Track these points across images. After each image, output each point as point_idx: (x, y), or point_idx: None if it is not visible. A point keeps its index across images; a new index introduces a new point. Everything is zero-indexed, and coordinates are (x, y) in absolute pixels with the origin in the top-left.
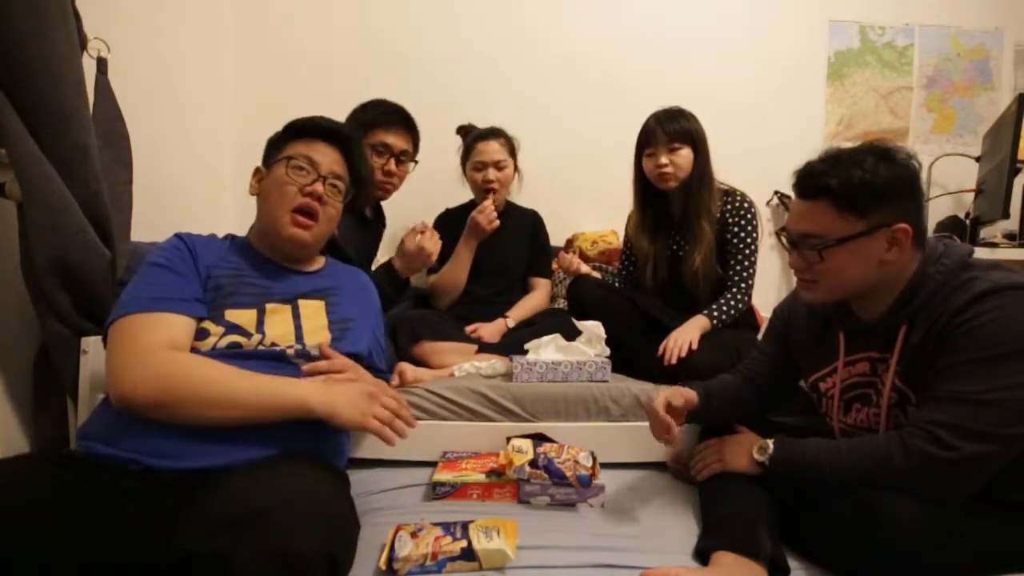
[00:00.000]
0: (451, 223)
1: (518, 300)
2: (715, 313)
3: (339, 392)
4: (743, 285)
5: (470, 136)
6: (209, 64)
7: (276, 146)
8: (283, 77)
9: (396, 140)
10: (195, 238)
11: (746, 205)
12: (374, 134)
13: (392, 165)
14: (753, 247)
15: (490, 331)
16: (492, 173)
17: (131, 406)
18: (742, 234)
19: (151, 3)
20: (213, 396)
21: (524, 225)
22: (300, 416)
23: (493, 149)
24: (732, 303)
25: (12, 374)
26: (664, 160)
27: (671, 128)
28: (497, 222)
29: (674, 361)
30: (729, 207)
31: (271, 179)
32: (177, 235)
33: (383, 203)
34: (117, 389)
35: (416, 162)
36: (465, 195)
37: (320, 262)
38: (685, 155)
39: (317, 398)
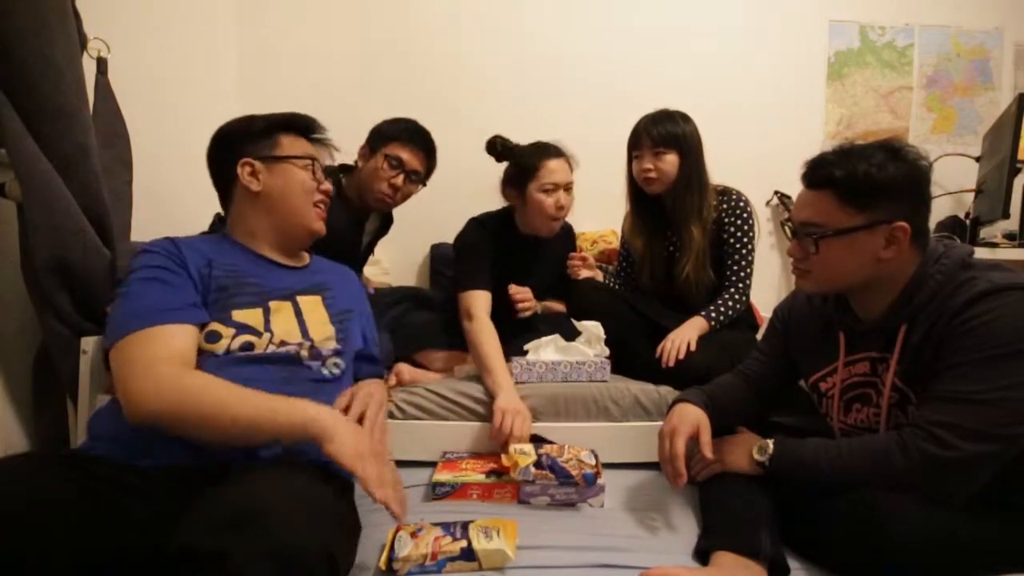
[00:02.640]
0: (486, 235)
1: (542, 320)
2: (713, 314)
3: (347, 425)
4: (740, 285)
5: (534, 148)
6: (209, 64)
7: (261, 138)
8: (283, 77)
9: (411, 159)
10: (169, 242)
11: (742, 204)
12: (392, 146)
13: (400, 181)
14: (750, 247)
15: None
16: (563, 198)
17: (144, 420)
18: (738, 234)
19: (151, 3)
20: (223, 419)
21: (560, 245)
22: (303, 437)
23: (564, 170)
24: (730, 303)
25: (12, 374)
26: (648, 164)
27: (657, 132)
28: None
29: (672, 363)
30: (725, 206)
31: (288, 177)
32: (147, 249)
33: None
34: (128, 408)
35: (424, 185)
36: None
37: (307, 258)
38: (670, 160)
39: (323, 416)
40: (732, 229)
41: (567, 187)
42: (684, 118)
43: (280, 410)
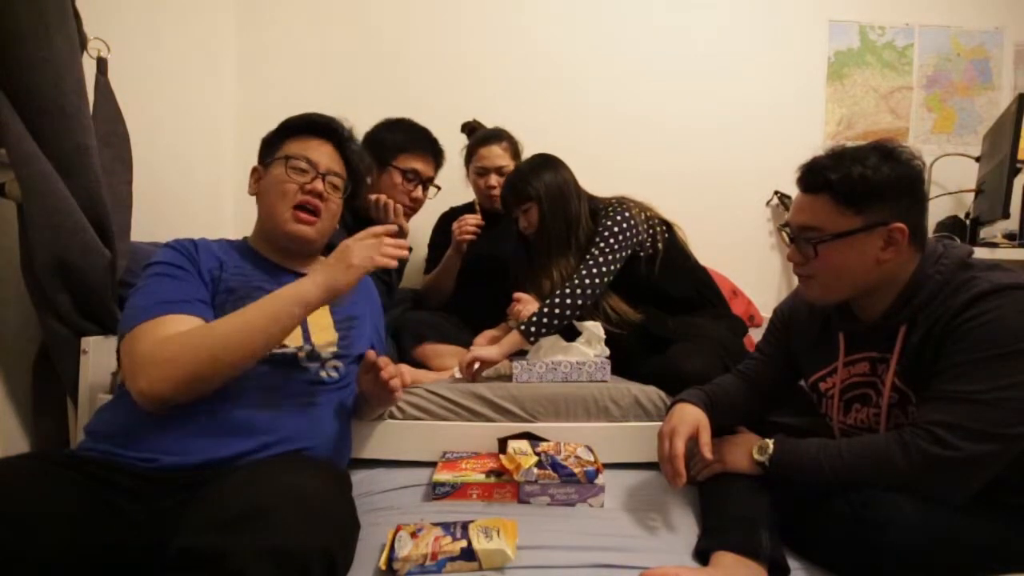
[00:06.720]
0: (444, 227)
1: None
2: (531, 327)
3: (331, 267)
4: (576, 282)
5: (473, 138)
6: (209, 64)
7: (272, 144)
8: (283, 77)
9: (425, 167)
10: (190, 242)
11: (611, 213)
12: (404, 159)
13: (420, 192)
14: (608, 251)
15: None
16: (494, 179)
17: (157, 401)
18: (597, 238)
19: (151, 3)
20: (222, 342)
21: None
22: (308, 308)
23: (495, 154)
24: (556, 301)
25: (12, 374)
26: (523, 224)
27: (513, 197)
28: (469, 235)
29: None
30: (599, 226)
31: (270, 178)
32: (169, 244)
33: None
34: (137, 391)
35: (439, 188)
36: (468, 194)
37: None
38: (535, 213)
39: (311, 285)
40: (596, 239)
41: (499, 170)
42: (537, 169)
43: (275, 306)
